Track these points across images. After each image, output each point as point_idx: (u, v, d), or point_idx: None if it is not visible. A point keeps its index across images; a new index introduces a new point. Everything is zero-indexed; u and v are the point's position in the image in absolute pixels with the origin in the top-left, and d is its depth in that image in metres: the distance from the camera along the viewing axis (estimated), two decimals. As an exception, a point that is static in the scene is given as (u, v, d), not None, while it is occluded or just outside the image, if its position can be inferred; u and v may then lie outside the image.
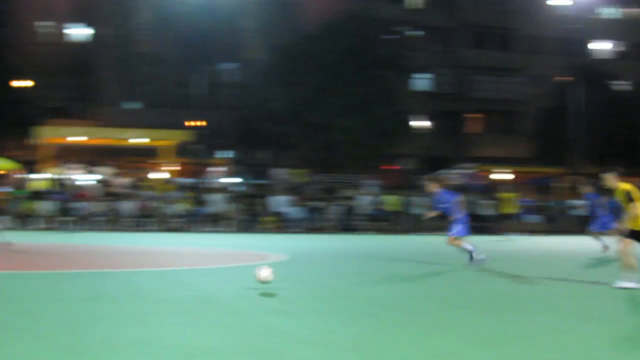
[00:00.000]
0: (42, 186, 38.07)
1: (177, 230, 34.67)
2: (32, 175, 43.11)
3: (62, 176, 38.95)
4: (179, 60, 61.75)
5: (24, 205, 34.73)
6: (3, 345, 6.98)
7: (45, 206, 34.53)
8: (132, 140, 43.41)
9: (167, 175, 41.88)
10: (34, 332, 7.68)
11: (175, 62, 63.17)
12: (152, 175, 42.59)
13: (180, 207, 35.93)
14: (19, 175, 43.79)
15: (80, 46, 72.34)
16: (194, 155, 47.05)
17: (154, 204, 35.95)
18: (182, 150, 45.67)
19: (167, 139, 43.13)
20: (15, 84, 51.56)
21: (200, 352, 6.85)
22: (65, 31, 72.14)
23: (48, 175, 39.30)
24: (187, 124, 44.36)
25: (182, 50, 59.15)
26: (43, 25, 71.62)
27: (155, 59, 64.43)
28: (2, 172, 43.19)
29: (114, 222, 34.81)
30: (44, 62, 69.26)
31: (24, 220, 34.38)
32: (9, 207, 34.63)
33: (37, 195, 36.11)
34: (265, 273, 11.18)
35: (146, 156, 48.80)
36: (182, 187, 39.00)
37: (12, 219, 34.13)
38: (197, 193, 38.61)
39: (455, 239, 17.17)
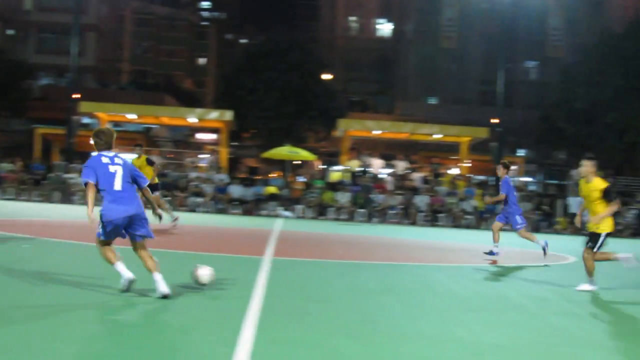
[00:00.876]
0: (340, 177, 39.28)
1: (469, 226, 34.75)
2: (330, 167, 44.76)
3: (359, 168, 40.11)
4: (479, 57, 61.79)
5: (320, 195, 35.97)
6: (293, 327, 7.49)
7: (341, 197, 35.59)
8: (430, 135, 43.89)
9: (460, 172, 42.03)
10: (326, 318, 8.11)
11: (475, 59, 63.29)
12: (446, 171, 42.92)
13: (473, 203, 35.93)
14: (318, 166, 45.66)
15: (383, 41, 74.39)
16: (489, 153, 46.93)
17: (447, 199, 36.19)
18: (476, 147, 45.67)
19: (462, 135, 43.21)
20: (323, 77, 53.70)
21: (488, 349, 6.96)
22: (369, 26, 74.30)
23: (346, 167, 40.55)
24: (492, 121, 44.36)
25: (483, 47, 59.16)
26: (349, 20, 74.34)
27: (455, 55, 64.99)
28: (300, 161, 45.24)
29: (407, 215, 35.39)
30: (349, 56, 72.02)
31: (321, 211, 35.64)
32: (305, 197, 36.13)
33: (334, 186, 37.28)
34: (202, 273, 9.35)
35: (441, 151, 49.23)
36: (476, 184, 39.00)
37: (305, 208, 35.61)
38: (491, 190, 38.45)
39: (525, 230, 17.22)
